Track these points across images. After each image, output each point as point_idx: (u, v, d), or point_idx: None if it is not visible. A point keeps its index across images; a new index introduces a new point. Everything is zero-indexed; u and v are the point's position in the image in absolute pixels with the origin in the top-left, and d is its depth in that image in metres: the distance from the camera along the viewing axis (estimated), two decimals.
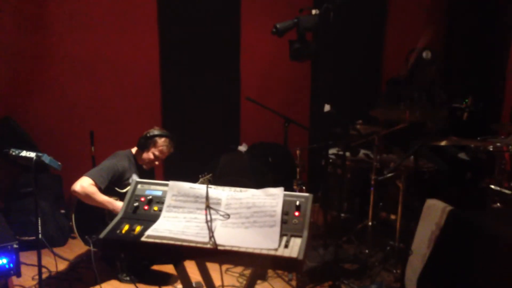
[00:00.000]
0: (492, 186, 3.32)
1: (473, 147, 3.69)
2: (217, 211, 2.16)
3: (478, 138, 3.70)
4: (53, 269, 3.53)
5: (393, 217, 3.78)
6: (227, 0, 4.83)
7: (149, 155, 3.53)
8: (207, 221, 2.10)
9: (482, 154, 3.72)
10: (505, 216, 3.00)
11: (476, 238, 2.63)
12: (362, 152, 4.04)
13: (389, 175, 3.44)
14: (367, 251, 3.67)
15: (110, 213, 3.27)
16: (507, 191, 3.24)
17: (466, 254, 2.65)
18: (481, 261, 2.57)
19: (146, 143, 3.52)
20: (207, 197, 2.17)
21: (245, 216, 2.13)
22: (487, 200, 3.29)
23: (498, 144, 3.47)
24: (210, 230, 2.04)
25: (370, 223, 3.68)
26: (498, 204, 3.23)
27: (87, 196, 3.17)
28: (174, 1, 4.61)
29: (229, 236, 2.04)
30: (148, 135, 3.52)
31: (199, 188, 2.24)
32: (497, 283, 2.46)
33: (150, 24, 4.56)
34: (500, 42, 4.54)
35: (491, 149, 3.48)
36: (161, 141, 3.53)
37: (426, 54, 4.02)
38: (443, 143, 3.35)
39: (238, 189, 2.26)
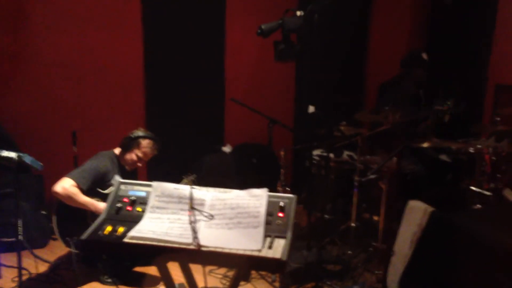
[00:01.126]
0: (473, 188, 3.37)
1: (454, 149, 3.73)
2: (201, 212, 2.16)
3: (459, 140, 3.75)
4: (33, 271, 3.48)
5: (376, 218, 3.81)
6: (212, 2, 4.81)
7: (132, 156, 3.50)
8: (191, 222, 2.09)
9: (463, 156, 3.78)
10: (485, 217, 3.04)
11: (457, 239, 2.66)
12: (346, 153, 4.06)
13: (372, 176, 3.46)
14: (350, 252, 3.69)
15: (92, 214, 3.24)
16: (487, 193, 3.29)
17: (447, 254, 2.69)
18: (462, 261, 2.60)
19: (129, 144, 3.49)
20: (191, 198, 2.16)
21: (229, 217, 2.13)
22: (468, 201, 3.34)
23: (479, 146, 3.53)
24: (194, 231, 2.04)
25: (353, 224, 3.70)
26: (478, 205, 3.28)
27: (69, 197, 3.13)
28: (159, 1, 4.58)
29: (213, 237, 2.04)
30: (132, 136, 3.49)
31: (183, 189, 2.24)
32: (478, 283, 2.49)
33: (134, 23, 4.53)
34: (481, 45, 4.61)
35: (472, 151, 3.53)
36: (145, 142, 3.50)
37: (425, 56, 4.09)
38: (425, 144, 3.39)
39: (222, 190, 2.26)
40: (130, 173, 3.61)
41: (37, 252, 3.78)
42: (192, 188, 2.21)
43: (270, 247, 1.99)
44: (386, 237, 3.46)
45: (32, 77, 4.27)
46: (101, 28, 4.40)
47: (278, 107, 4.96)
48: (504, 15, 4.38)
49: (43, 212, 4.16)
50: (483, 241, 2.54)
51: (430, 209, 2.88)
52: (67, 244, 3.28)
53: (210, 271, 3.50)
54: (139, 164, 3.57)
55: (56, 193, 3.11)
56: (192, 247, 1.99)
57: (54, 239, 4.06)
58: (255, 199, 2.17)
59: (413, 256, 2.94)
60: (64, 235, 3.29)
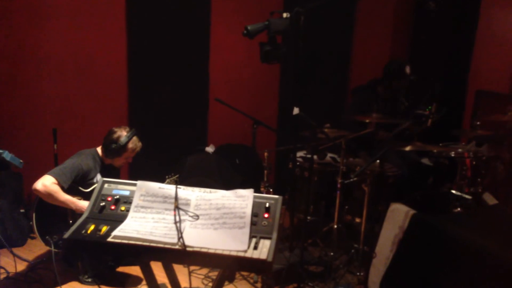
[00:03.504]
0: (453, 191, 3.42)
1: (435, 153, 3.79)
2: (186, 211, 2.14)
3: (440, 144, 3.81)
4: (11, 270, 3.42)
5: (358, 220, 3.84)
6: (197, 1, 4.79)
7: (122, 160, 3.48)
8: (175, 222, 2.08)
9: (444, 160, 3.83)
10: (465, 220, 3.09)
11: (438, 242, 2.70)
12: (329, 155, 4.08)
13: (355, 178, 3.49)
14: (332, 253, 3.71)
15: (73, 213, 3.19)
16: (467, 196, 3.34)
17: (428, 256, 2.72)
18: (442, 263, 2.64)
19: (118, 151, 3.42)
20: (176, 198, 2.15)
21: (214, 217, 2.12)
22: (449, 204, 3.39)
23: (460, 150, 3.59)
24: (179, 231, 2.02)
25: (335, 226, 3.72)
26: (459, 208, 3.33)
27: (49, 195, 3.07)
28: None
29: (198, 237, 2.03)
30: (120, 144, 3.39)
31: (168, 188, 2.22)
32: (458, 284, 2.53)
33: (118, 21, 4.48)
34: (462, 51, 4.69)
35: (452, 155, 3.59)
36: (132, 144, 3.46)
37: (408, 69, 4.09)
38: (407, 148, 3.43)
39: (207, 190, 2.25)
40: (113, 172, 3.57)
41: (16, 250, 3.71)
42: (177, 187, 2.19)
43: (255, 247, 1.99)
44: (368, 239, 3.49)
45: (12, 74, 4.20)
46: (84, 25, 4.34)
47: (262, 108, 4.97)
48: (485, 22, 4.46)
49: (22, 210, 4.09)
50: (463, 243, 2.58)
51: (411, 211, 2.92)
52: (47, 243, 3.24)
53: (192, 271, 3.48)
54: (130, 161, 3.55)
55: (37, 190, 3.06)
56: (177, 247, 1.98)
57: (33, 238, 3.99)
58: (241, 200, 2.16)
59: (394, 258, 2.97)
60: (43, 233, 3.24)
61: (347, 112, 4.34)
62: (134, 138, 3.47)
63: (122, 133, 3.42)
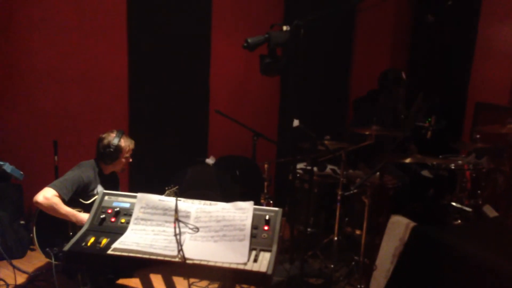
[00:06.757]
0: (454, 204, 3.42)
1: (435, 165, 3.79)
2: (186, 224, 2.15)
3: (440, 156, 3.82)
4: (11, 282, 3.40)
5: (358, 232, 3.84)
6: (198, 13, 4.83)
7: (122, 161, 3.48)
8: (175, 234, 2.08)
9: (444, 172, 3.84)
10: (465, 232, 3.09)
11: (438, 254, 2.70)
12: (329, 167, 4.09)
13: (355, 190, 3.49)
14: (332, 266, 3.69)
15: (74, 225, 3.19)
16: (467, 209, 3.34)
17: (428, 269, 2.72)
18: (443, 276, 2.63)
19: (116, 154, 3.43)
20: (176, 210, 2.15)
21: (214, 229, 2.12)
22: (449, 216, 3.39)
23: (459, 162, 3.60)
24: (179, 244, 2.02)
25: (335, 238, 3.71)
26: (459, 221, 3.33)
27: (50, 207, 3.07)
28: (144, 11, 4.58)
29: (198, 249, 2.03)
30: (113, 146, 3.42)
31: (168, 201, 2.23)
32: None
33: (119, 33, 4.51)
34: (462, 63, 4.71)
35: (452, 167, 3.60)
36: (125, 142, 3.48)
37: (404, 75, 4.13)
38: (407, 160, 3.44)
39: (207, 202, 2.25)
40: (113, 183, 3.57)
41: (15, 262, 3.70)
42: (177, 200, 2.19)
43: (255, 260, 1.99)
44: (368, 251, 3.48)
45: (13, 85, 4.21)
46: (85, 37, 4.37)
47: (262, 120, 4.99)
48: (484, 34, 4.49)
49: (22, 222, 4.08)
50: (463, 256, 2.58)
51: (412, 224, 2.92)
52: (47, 255, 3.22)
53: (192, 284, 3.47)
54: (130, 160, 3.57)
55: (38, 203, 3.06)
56: (177, 259, 1.98)
57: (33, 250, 3.99)
58: (241, 212, 2.17)
59: (395, 271, 2.97)
60: (44, 246, 3.23)
61: (351, 124, 4.35)
62: (124, 136, 3.48)
63: (111, 136, 3.45)
